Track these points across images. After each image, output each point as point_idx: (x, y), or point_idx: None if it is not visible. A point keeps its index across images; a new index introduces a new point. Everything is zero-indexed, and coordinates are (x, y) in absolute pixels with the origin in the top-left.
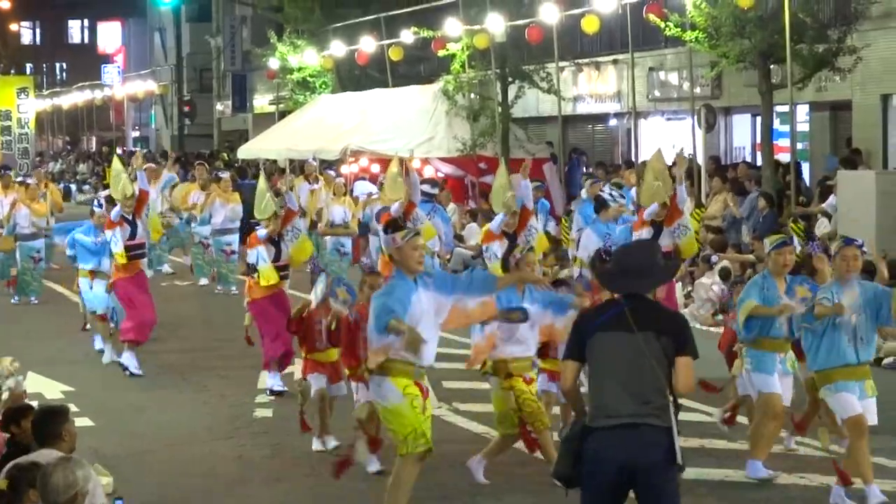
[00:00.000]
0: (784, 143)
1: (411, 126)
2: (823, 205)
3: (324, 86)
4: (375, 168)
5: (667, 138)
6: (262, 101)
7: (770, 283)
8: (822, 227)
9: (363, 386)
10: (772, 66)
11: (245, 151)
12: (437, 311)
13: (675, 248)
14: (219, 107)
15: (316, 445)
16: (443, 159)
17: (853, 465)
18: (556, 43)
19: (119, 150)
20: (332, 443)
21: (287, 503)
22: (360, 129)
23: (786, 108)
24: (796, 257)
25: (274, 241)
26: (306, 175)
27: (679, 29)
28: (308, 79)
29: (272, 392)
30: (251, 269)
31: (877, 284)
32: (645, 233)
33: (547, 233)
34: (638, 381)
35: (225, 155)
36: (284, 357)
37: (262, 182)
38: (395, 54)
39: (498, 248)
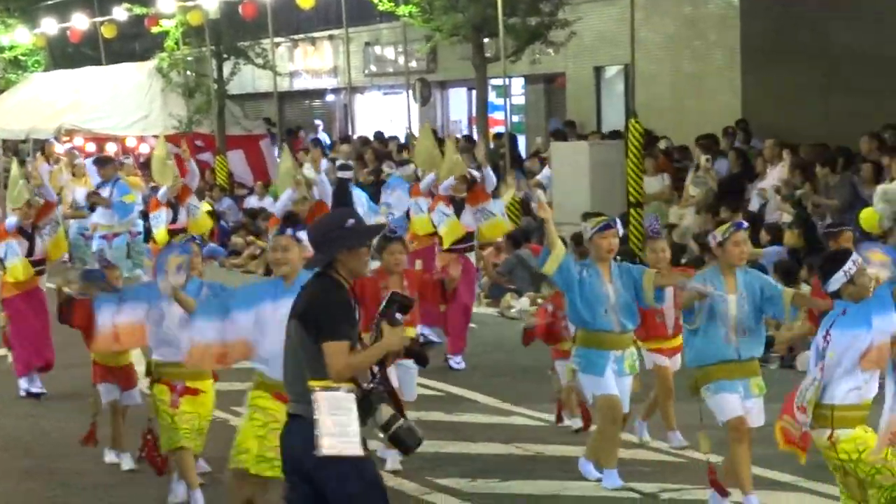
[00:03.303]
0: (500, 115)
1: (126, 104)
2: (538, 177)
3: (36, 64)
4: (91, 147)
5: (384, 113)
6: None
7: (593, 270)
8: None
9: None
10: (485, 40)
11: None
12: None
13: (477, 230)
14: None
15: (109, 457)
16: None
17: (731, 472)
18: (271, 18)
19: None
20: (127, 462)
21: None
22: (74, 107)
23: (501, 81)
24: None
25: (27, 233)
26: (47, 156)
27: (392, 4)
28: (20, 57)
29: (28, 394)
30: None
31: (762, 275)
32: (445, 208)
33: None
34: (290, 371)
35: None
36: (43, 369)
37: (14, 168)
38: (108, 32)
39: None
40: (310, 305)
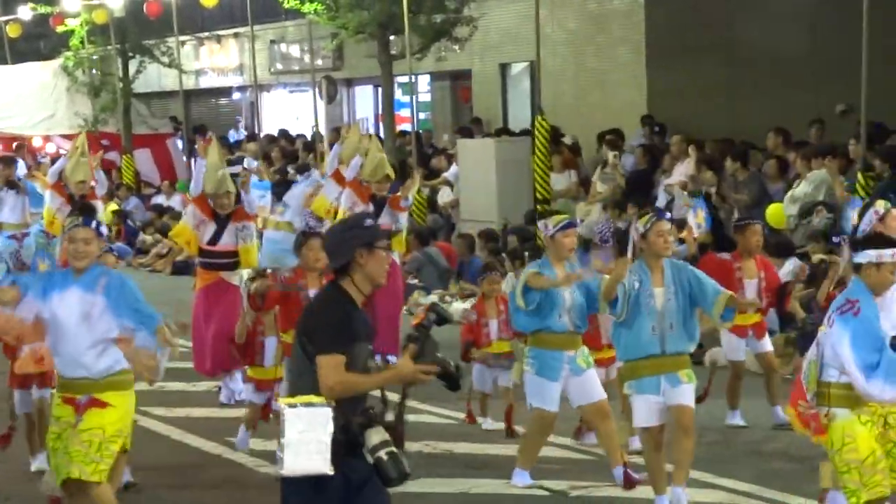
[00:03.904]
0: (406, 113)
1: (32, 103)
2: (445, 174)
3: None
4: None
5: (290, 111)
6: None
7: (549, 272)
8: (444, 196)
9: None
10: (391, 37)
11: None
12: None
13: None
14: None
15: (36, 464)
16: (64, 136)
17: (649, 473)
18: (176, 16)
19: None
20: (37, 462)
21: None
22: None
23: (407, 79)
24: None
25: None
26: None
27: (298, 1)
28: None
29: None
30: None
31: (694, 270)
32: (363, 208)
33: None
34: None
35: None
36: None
37: None
38: (13, 31)
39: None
40: (306, 318)
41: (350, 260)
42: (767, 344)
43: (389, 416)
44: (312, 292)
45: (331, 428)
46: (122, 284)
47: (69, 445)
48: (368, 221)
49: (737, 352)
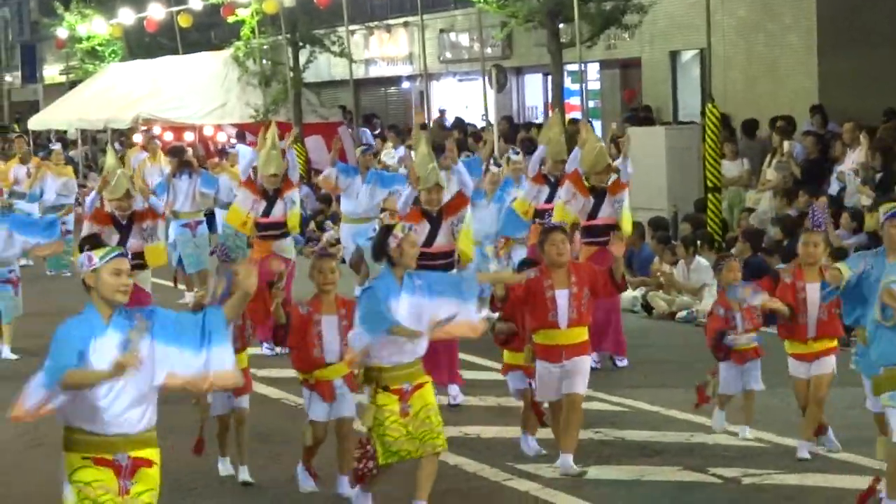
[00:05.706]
0: (576, 101)
1: (203, 93)
2: (615, 163)
3: (113, 54)
4: (168, 136)
5: (459, 99)
6: (52, 72)
7: (880, 260)
8: None
9: (316, 396)
10: (561, 26)
11: (36, 122)
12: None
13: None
14: (8, 78)
15: (222, 469)
16: (235, 125)
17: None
18: (346, 6)
19: None
20: (243, 474)
21: None
22: (151, 97)
23: (576, 67)
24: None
25: (120, 224)
26: (143, 145)
27: None
28: (97, 48)
29: None
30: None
31: None
32: (584, 201)
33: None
34: None
35: (16, 126)
36: None
37: (110, 157)
38: (184, 21)
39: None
40: None
41: None
42: None
43: None
44: (560, 293)
45: None
46: (154, 312)
47: None
48: None
49: None
